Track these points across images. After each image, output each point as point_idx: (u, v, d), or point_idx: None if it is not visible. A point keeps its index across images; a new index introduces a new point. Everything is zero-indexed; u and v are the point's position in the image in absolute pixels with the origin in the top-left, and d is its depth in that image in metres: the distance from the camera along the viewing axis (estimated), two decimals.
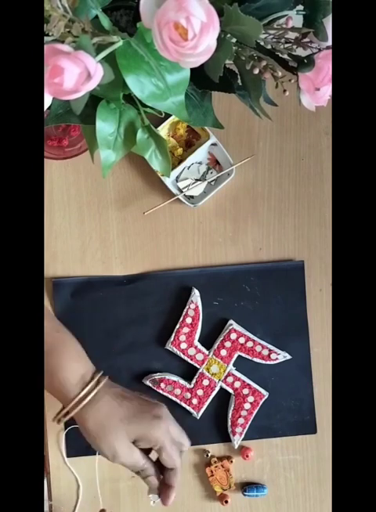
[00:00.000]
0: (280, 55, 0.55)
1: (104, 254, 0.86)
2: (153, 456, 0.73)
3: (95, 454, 0.78)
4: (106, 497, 0.84)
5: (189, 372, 0.84)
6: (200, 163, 0.85)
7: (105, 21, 0.48)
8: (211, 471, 0.83)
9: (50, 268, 0.85)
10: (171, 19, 0.43)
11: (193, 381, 0.84)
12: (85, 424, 0.69)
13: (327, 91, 0.53)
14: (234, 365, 0.84)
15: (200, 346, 0.84)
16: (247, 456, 0.84)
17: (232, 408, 0.84)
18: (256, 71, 0.52)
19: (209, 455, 0.84)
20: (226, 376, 0.84)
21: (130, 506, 0.84)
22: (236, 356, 0.84)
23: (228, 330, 0.84)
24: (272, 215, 0.86)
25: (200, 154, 0.85)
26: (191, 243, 0.86)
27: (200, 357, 0.84)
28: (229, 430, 0.84)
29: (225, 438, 0.84)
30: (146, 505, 0.84)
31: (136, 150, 0.59)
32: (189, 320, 0.84)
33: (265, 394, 0.84)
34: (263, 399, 0.84)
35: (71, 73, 0.45)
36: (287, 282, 0.85)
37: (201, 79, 0.55)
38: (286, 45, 0.54)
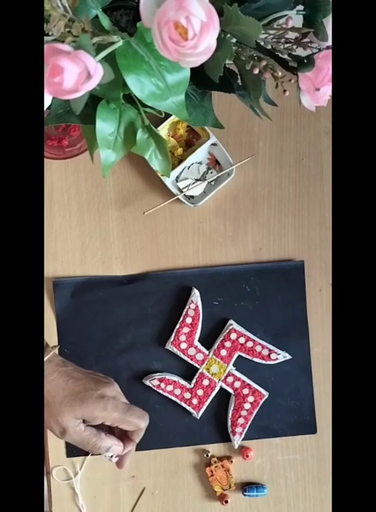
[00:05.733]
0: (280, 55, 0.54)
1: (104, 254, 0.86)
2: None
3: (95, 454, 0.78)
4: (106, 497, 0.84)
5: (189, 372, 0.84)
6: (200, 163, 0.85)
7: (105, 21, 0.48)
8: (211, 471, 0.83)
9: (50, 268, 0.85)
10: (172, 18, 0.43)
11: (193, 381, 0.84)
12: None
13: (327, 91, 0.53)
14: (234, 365, 0.84)
15: (200, 346, 0.84)
16: (247, 456, 0.84)
17: (232, 408, 0.84)
18: (256, 71, 0.52)
19: (209, 455, 0.84)
20: (226, 376, 0.84)
21: (130, 506, 0.84)
22: (236, 356, 0.84)
23: (228, 330, 0.84)
24: (272, 215, 0.86)
25: (200, 154, 0.85)
26: (191, 243, 0.86)
27: (200, 357, 0.84)
28: (229, 430, 0.84)
29: (226, 438, 0.84)
30: (146, 505, 0.84)
31: (136, 150, 0.59)
32: (189, 320, 0.84)
33: (265, 394, 0.84)
34: (263, 399, 0.84)
35: (71, 72, 0.45)
36: (287, 282, 0.85)
37: (201, 79, 0.55)
38: (286, 45, 0.54)
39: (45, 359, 0.70)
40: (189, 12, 0.43)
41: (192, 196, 0.85)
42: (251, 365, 0.84)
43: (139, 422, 0.72)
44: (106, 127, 0.55)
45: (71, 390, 0.70)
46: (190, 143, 0.86)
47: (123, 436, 0.73)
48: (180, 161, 0.84)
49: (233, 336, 0.84)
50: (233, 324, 0.84)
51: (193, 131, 0.85)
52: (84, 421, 0.70)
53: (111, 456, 0.72)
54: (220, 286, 0.85)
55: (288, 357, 0.84)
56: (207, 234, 0.86)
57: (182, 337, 0.83)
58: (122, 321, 0.84)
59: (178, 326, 0.84)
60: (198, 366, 0.84)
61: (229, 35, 0.51)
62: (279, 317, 0.85)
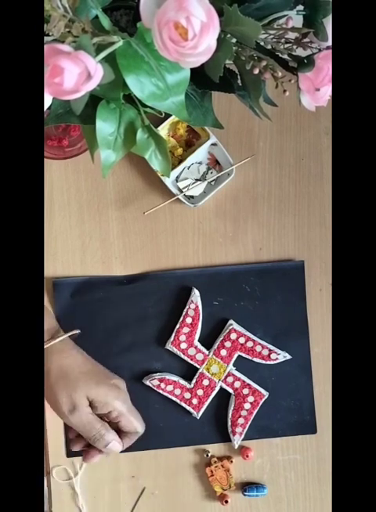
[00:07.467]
0: (280, 56, 0.55)
1: (104, 254, 0.86)
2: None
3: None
4: (106, 497, 0.84)
5: (189, 372, 0.84)
6: (200, 163, 0.85)
7: (105, 21, 0.48)
8: (211, 471, 0.83)
9: (50, 268, 0.85)
10: (172, 19, 0.43)
11: (193, 381, 0.84)
12: (49, 366, 0.70)
13: (327, 91, 0.53)
14: (234, 365, 0.84)
15: (200, 346, 0.84)
16: (247, 456, 0.84)
17: (232, 408, 0.84)
18: (256, 71, 0.52)
19: (209, 455, 0.84)
20: (226, 376, 0.84)
21: (130, 506, 0.84)
22: (236, 356, 0.84)
23: (228, 330, 0.84)
24: (272, 215, 0.86)
25: (200, 154, 0.85)
26: (191, 243, 0.86)
27: (200, 357, 0.84)
28: (229, 430, 0.84)
29: (226, 438, 0.84)
30: (146, 505, 0.84)
31: (136, 150, 0.59)
32: (189, 320, 0.84)
33: (265, 394, 0.84)
34: (263, 399, 0.84)
35: (71, 73, 0.45)
36: (287, 282, 0.85)
37: (201, 79, 0.55)
38: (286, 45, 0.54)
39: (65, 336, 0.73)
40: (190, 13, 0.43)
41: (192, 196, 0.85)
42: (251, 365, 0.84)
43: (138, 425, 0.73)
44: (106, 127, 0.55)
45: (90, 369, 0.72)
46: (190, 143, 0.86)
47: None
48: (180, 161, 0.84)
49: (233, 336, 0.84)
50: (233, 324, 0.84)
51: (193, 131, 0.85)
52: (91, 405, 0.71)
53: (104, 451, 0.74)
54: (220, 286, 0.85)
55: (288, 357, 0.84)
56: (207, 234, 0.86)
57: (182, 337, 0.83)
58: (122, 321, 0.84)
59: (178, 326, 0.84)
60: (198, 366, 0.84)
61: (229, 35, 0.51)
62: (279, 317, 0.85)
